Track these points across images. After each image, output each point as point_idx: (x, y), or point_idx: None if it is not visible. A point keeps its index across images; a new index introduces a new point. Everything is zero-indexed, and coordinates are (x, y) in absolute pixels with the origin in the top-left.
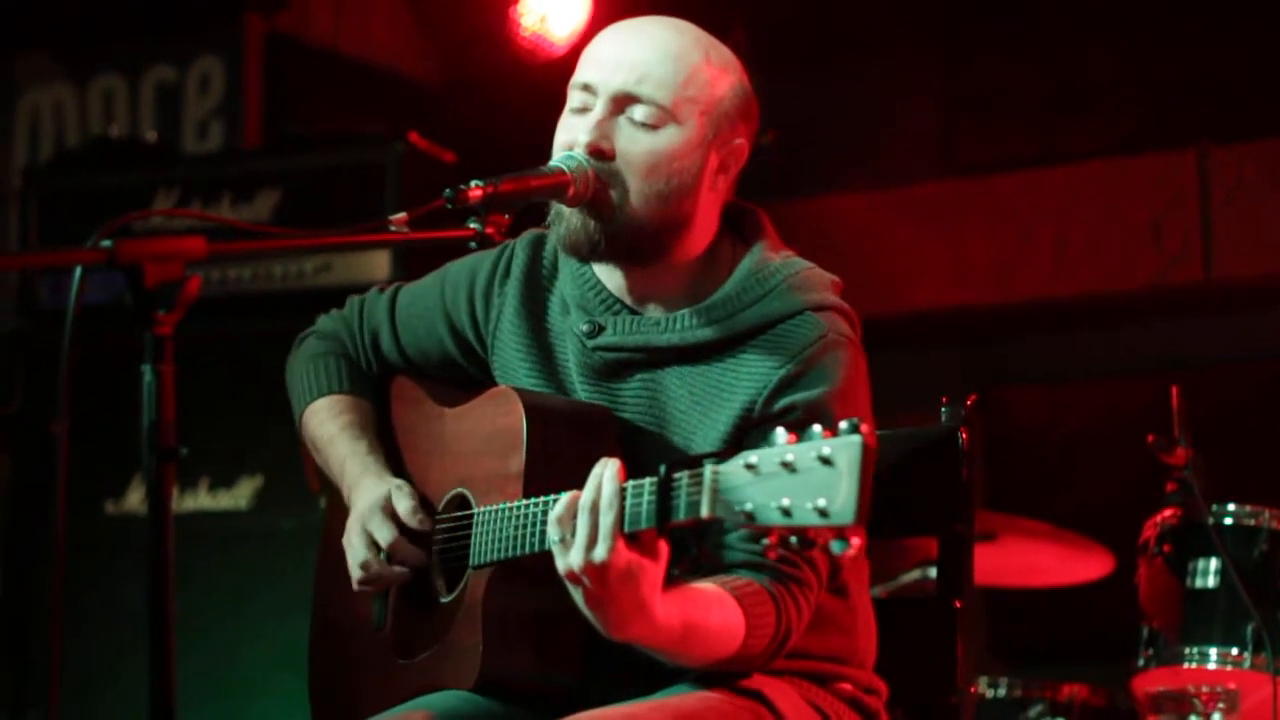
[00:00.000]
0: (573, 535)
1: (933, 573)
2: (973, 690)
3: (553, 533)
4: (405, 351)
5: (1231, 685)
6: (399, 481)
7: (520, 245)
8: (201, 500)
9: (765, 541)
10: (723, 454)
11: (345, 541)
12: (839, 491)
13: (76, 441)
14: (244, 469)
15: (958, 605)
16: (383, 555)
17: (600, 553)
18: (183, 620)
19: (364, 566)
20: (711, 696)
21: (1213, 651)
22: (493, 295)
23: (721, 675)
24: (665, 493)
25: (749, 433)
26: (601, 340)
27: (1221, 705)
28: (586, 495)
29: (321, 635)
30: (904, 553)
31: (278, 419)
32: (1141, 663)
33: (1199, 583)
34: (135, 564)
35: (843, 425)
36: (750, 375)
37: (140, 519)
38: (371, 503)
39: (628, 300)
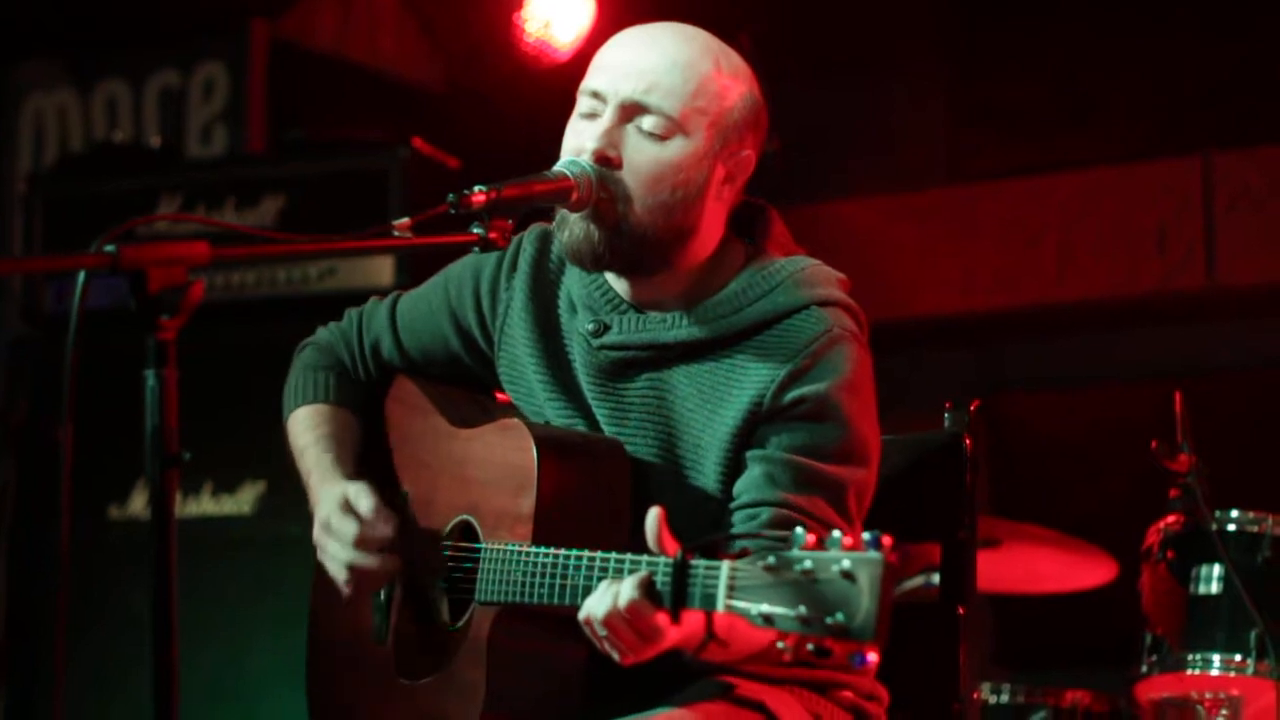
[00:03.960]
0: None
1: (936, 579)
2: (975, 697)
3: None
4: (409, 355)
5: (1235, 692)
6: (359, 485)
7: (528, 239)
8: (205, 505)
9: (781, 644)
10: (740, 536)
11: (320, 556)
12: (859, 609)
13: (80, 447)
14: (247, 474)
15: (961, 611)
16: (356, 551)
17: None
18: (186, 625)
19: (349, 567)
20: (713, 708)
21: (1216, 658)
22: (499, 290)
23: (723, 689)
24: (681, 578)
25: (758, 428)
26: (607, 339)
27: (1225, 712)
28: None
29: (320, 645)
30: (907, 559)
31: (281, 424)
32: (1145, 669)
33: (1202, 589)
34: (139, 569)
35: (866, 537)
36: (757, 371)
37: (144, 524)
38: (329, 506)
39: (633, 302)
